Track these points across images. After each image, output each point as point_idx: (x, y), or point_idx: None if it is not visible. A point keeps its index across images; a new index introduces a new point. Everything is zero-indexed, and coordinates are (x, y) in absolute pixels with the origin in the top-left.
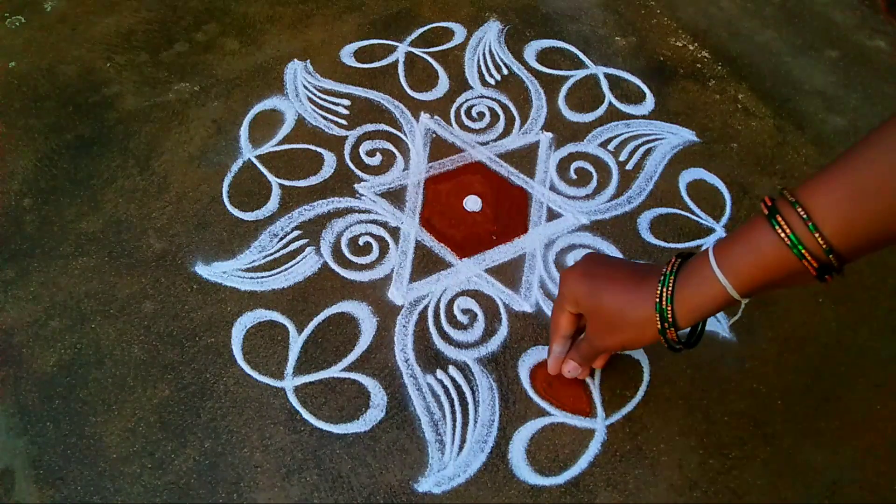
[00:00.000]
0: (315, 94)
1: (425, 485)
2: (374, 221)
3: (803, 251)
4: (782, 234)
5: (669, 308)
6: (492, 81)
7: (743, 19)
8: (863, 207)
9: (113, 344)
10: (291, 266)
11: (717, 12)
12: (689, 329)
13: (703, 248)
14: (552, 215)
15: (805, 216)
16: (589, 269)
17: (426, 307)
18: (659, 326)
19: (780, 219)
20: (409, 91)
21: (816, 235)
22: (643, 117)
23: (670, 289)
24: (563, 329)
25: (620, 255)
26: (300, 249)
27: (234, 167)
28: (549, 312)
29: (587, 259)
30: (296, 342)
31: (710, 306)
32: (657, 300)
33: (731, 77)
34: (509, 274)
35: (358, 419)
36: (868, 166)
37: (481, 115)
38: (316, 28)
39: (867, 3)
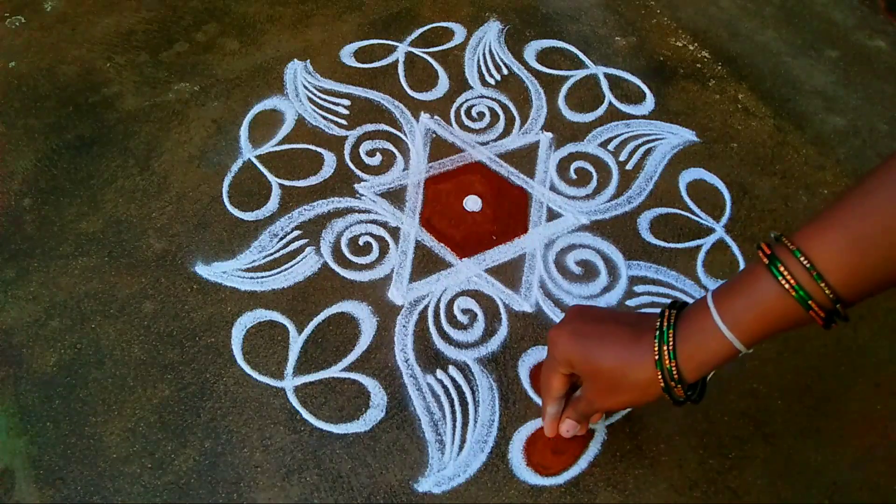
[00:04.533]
0: (315, 94)
1: (425, 485)
2: (374, 221)
3: (810, 302)
4: (786, 285)
5: (674, 364)
6: (492, 81)
7: (743, 19)
8: (866, 256)
9: (113, 344)
10: (291, 266)
11: (717, 12)
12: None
13: (701, 247)
14: (552, 215)
15: (809, 265)
16: (579, 328)
17: (426, 307)
18: (664, 385)
19: (782, 269)
20: (409, 91)
21: (822, 285)
22: (643, 117)
23: (671, 345)
24: (557, 391)
25: (621, 256)
26: (300, 249)
27: (234, 167)
28: (549, 312)
29: (574, 315)
30: (296, 342)
31: (717, 361)
32: (656, 359)
33: (731, 77)
34: (509, 274)
35: (358, 419)
36: (870, 213)
37: (481, 115)
38: (316, 28)
39: (867, 3)
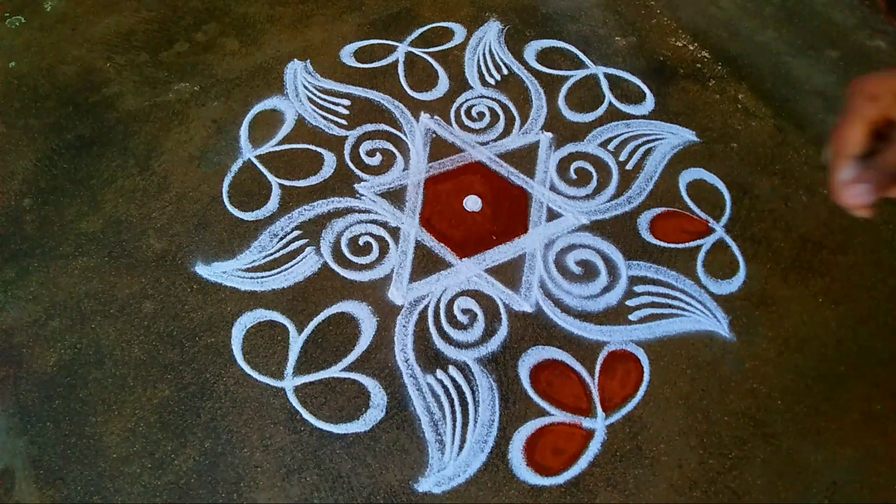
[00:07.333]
0: (315, 94)
1: (425, 485)
2: (374, 221)
3: None
4: None
5: None
6: (492, 81)
7: (743, 19)
8: None
9: (113, 344)
10: (291, 266)
11: (717, 12)
12: None
13: (701, 247)
14: (552, 215)
15: None
16: (882, 73)
17: (426, 307)
18: None
19: None
20: (409, 91)
21: None
22: (643, 117)
23: None
24: (854, 146)
25: (621, 256)
26: (300, 249)
27: (234, 167)
28: (549, 312)
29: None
30: (296, 342)
31: None
32: None
33: (731, 77)
34: (509, 274)
35: (358, 419)
36: None
37: (481, 115)
38: (316, 28)
39: (867, 3)
